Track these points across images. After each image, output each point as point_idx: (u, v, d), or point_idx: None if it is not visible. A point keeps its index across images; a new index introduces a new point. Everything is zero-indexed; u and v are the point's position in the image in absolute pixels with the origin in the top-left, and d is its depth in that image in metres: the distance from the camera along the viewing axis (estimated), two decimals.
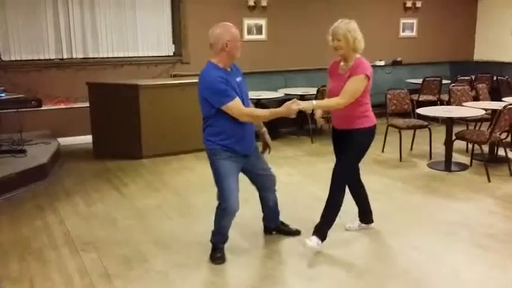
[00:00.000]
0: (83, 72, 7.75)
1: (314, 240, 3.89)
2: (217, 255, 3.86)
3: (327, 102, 3.89)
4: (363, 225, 4.41)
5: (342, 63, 3.94)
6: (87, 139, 7.32)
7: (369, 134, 3.94)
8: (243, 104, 3.64)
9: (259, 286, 3.53)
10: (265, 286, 3.53)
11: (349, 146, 3.93)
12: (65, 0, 7.69)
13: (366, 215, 4.41)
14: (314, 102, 3.79)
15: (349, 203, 4.26)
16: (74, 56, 7.88)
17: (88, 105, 7.12)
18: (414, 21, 10.31)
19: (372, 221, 4.42)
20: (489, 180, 5.74)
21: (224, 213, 3.76)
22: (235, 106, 3.54)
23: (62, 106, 7.62)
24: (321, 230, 3.94)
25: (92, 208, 5.04)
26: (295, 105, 3.58)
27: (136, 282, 3.56)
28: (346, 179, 4.03)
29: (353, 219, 4.42)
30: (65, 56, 7.83)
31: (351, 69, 3.82)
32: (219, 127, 3.63)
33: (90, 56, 7.99)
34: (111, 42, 8.11)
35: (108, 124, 6.89)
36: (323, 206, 4.00)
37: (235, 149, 3.69)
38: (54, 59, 7.76)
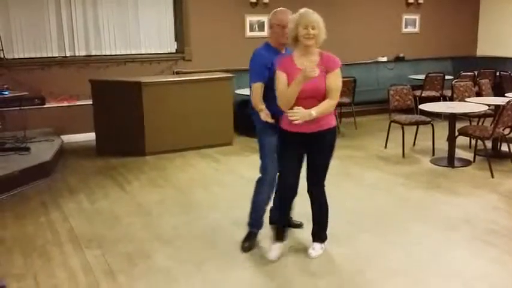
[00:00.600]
0: (85, 70, 7.76)
1: (317, 247, 3.91)
2: (245, 245, 4.00)
3: (323, 108, 3.50)
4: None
5: (296, 57, 3.58)
6: (90, 136, 7.34)
7: (335, 133, 3.75)
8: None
9: (261, 282, 3.55)
10: (267, 282, 3.55)
11: (323, 148, 3.70)
12: None
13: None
14: (313, 112, 3.46)
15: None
16: (77, 54, 7.89)
17: (91, 102, 7.14)
18: (416, 17, 10.29)
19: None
20: (492, 176, 5.74)
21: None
22: (254, 89, 3.80)
23: (65, 104, 7.64)
24: (320, 234, 3.95)
25: (96, 205, 5.06)
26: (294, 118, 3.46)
27: (140, 278, 3.58)
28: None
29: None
30: (68, 54, 7.84)
31: (323, 63, 3.53)
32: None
33: (93, 53, 8.00)
34: (114, 39, 8.12)
35: (111, 121, 6.90)
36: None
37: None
38: (57, 57, 7.77)
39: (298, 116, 3.43)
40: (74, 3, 7.75)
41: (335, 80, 3.54)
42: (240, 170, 6.19)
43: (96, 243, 4.14)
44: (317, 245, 3.91)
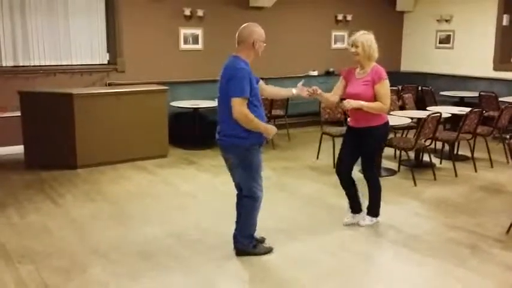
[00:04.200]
0: (13, 81, 7.49)
1: (368, 219, 4.77)
2: (262, 250, 4.15)
3: (375, 105, 4.39)
4: (356, 215, 4.84)
5: (358, 70, 4.52)
6: (18, 149, 7.10)
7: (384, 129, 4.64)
8: None
9: None
10: None
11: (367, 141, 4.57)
12: None
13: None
14: (362, 102, 4.36)
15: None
16: (4, 64, 7.62)
17: (19, 114, 6.91)
18: (345, 33, 10.72)
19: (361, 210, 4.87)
20: (415, 184, 6.10)
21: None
22: (242, 105, 3.81)
23: None
24: (371, 209, 4.78)
25: (26, 219, 4.91)
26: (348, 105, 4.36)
27: None
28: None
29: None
30: None
31: (371, 74, 4.40)
32: None
33: (21, 64, 7.75)
34: (43, 49, 7.90)
35: (41, 134, 6.71)
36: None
37: None
38: None
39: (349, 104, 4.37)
40: (1, 12, 7.49)
41: (381, 89, 4.38)
42: (175, 182, 6.21)
43: (29, 258, 4.03)
44: (368, 217, 4.77)
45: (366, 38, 4.45)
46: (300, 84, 4.29)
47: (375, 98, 4.39)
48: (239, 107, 3.69)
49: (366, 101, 4.37)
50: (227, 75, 3.78)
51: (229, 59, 3.91)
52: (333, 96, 4.65)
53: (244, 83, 3.70)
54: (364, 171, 4.73)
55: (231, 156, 3.93)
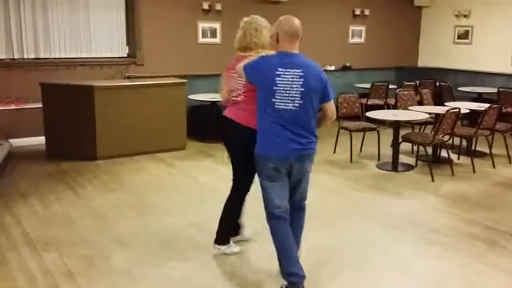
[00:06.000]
0: (34, 73, 7.61)
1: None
2: None
3: None
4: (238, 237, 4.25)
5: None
6: (39, 140, 7.22)
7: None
8: None
9: (221, 280, 3.67)
10: (227, 280, 3.67)
11: None
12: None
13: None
14: None
15: None
16: (25, 56, 7.74)
17: (40, 106, 7.03)
18: (362, 28, 10.71)
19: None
20: (433, 180, 6.10)
21: None
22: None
23: (13, 107, 7.47)
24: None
25: (49, 209, 5.01)
26: None
27: (100, 279, 3.62)
28: None
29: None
30: (16, 56, 7.67)
31: None
32: None
33: (42, 56, 7.86)
34: (64, 42, 8.01)
35: (62, 125, 6.84)
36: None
37: None
38: (4, 59, 7.59)
39: None
40: (23, 5, 7.61)
41: None
42: (194, 174, 6.28)
43: (53, 246, 4.13)
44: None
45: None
46: None
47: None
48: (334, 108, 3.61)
49: None
50: (321, 79, 3.45)
51: (305, 60, 3.50)
52: None
53: None
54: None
55: (309, 165, 3.58)
